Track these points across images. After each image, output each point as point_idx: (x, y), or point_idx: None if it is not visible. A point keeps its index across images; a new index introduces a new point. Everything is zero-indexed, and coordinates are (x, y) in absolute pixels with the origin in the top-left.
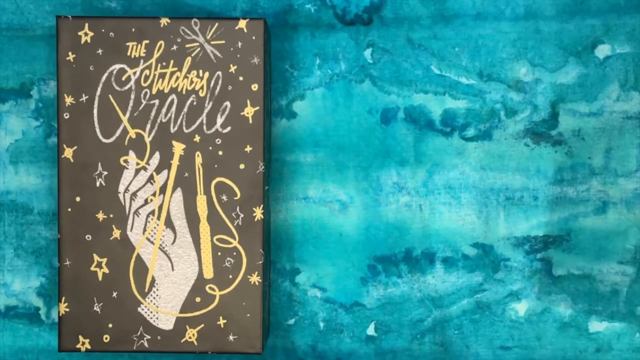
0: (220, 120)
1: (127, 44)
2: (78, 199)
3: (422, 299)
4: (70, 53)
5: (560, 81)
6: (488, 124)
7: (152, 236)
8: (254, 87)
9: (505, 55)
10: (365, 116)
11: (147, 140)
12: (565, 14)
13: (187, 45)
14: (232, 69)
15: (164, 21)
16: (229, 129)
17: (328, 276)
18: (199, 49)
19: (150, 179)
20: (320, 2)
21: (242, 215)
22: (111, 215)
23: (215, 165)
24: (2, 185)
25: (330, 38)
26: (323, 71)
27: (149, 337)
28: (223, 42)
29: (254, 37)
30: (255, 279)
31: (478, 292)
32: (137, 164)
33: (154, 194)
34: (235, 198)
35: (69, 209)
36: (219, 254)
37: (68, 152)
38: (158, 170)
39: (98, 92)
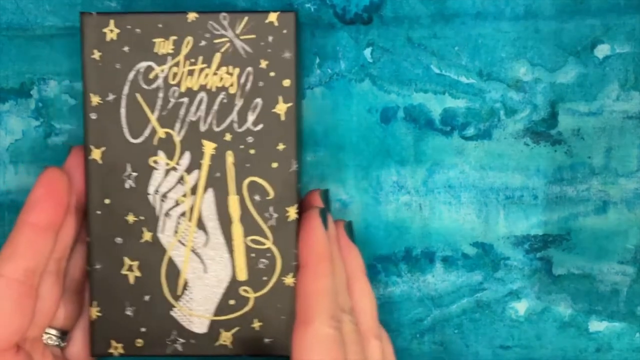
0: (251, 117)
1: (154, 40)
2: (107, 201)
3: (421, 298)
4: (95, 51)
5: (559, 81)
6: (488, 123)
7: (183, 238)
8: (286, 82)
9: (505, 55)
10: (365, 115)
11: (177, 139)
12: (564, 13)
13: (215, 41)
14: (263, 64)
15: (192, 16)
16: (260, 126)
17: None
18: (228, 44)
19: (181, 180)
20: (320, 2)
21: (275, 215)
22: (141, 218)
23: (247, 165)
24: (2, 185)
25: (330, 37)
26: (323, 70)
27: (183, 340)
28: (253, 36)
29: (285, 31)
30: (289, 280)
31: (478, 291)
32: (167, 164)
33: (184, 195)
34: (268, 198)
35: (98, 212)
36: (253, 255)
37: (96, 154)
38: (189, 170)
39: (125, 91)
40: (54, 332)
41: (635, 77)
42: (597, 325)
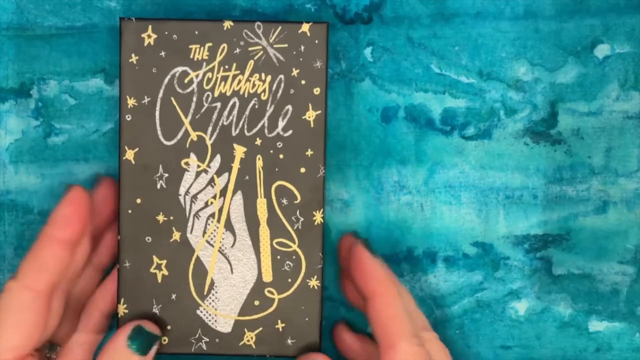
0: (281, 123)
1: (190, 46)
2: (139, 200)
3: (424, 298)
4: (133, 55)
5: (559, 81)
6: (488, 123)
7: (211, 239)
8: (316, 90)
9: (504, 55)
10: (365, 115)
11: (209, 143)
12: (564, 13)
13: (250, 49)
14: (295, 72)
15: (227, 24)
16: (290, 132)
17: (330, 274)
18: (261, 52)
19: (211, 182)
20: (320, 2)
21: (302, 219)
22: (171, 218)
23: (276, 169)
24: (2, 185)
25: (330, 37)
26: None
27: (207, 339)
28: (286, 45)
29: (316, 41)
30: (314, 283)
31: (478, 290)
32: (198, 166)
33: (214, 197)
34: (295, 202)
35: (130, 211)
36: (278, 257)
37: (129, 154)
38: (219, 173)
39: (160, 95)
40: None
41: (635, 77)
42: (597, 325)
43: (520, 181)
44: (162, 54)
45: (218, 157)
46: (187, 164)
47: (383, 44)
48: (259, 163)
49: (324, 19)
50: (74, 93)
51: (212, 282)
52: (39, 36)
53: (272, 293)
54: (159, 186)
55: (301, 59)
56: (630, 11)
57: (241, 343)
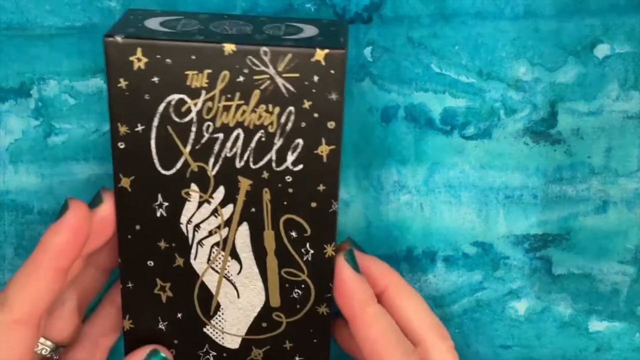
0: (291, 157)
1: (187, 72)
2: (138, 227)
3: (423, 297)
4: (122, 80)
5: (559, 80)
6: (488, 123)
7: (216, 266)
8: (331, 124)
9: (504, 54)
10: (365, 115)
11: (211, 174)
12: (564, 13)
13: (255, 77)
14: (306, 104)
15: (229, 49)
16: (300, 167)
17: None
18: (269, 81)
19: (215, 212)
20: (320, 1)
21: (312, 252)
22: (173, 245)
23: (285, 202)
24: (2, 185)
25: None
26: None
27: (215, 354)
28: (297, 75)
29: (332, 71)
30: (323, 309)
31: (478, 290)
32: (200, 196)
33: (218, 227)
34: (305, 235)
35: (129, 236)
36: (287, 285)
37: (125, 182)
38: (223, 204)
39: (155, 123)
40: (49, 343)
41: (635, 77)
42: (597, 325)
43: (520, 181)
44: (155, 79)
45: (221, 189)
46: (187, 193)
47: (383, 43)
48: (267, 196)
49: (324, 17)
50: (74, 93)
51: (218, 305)
52: (39, 36)
53: (279, 317)
54: (158, 214)
55: (314, 91)
56: (630, 11)
57: (249, 358)
